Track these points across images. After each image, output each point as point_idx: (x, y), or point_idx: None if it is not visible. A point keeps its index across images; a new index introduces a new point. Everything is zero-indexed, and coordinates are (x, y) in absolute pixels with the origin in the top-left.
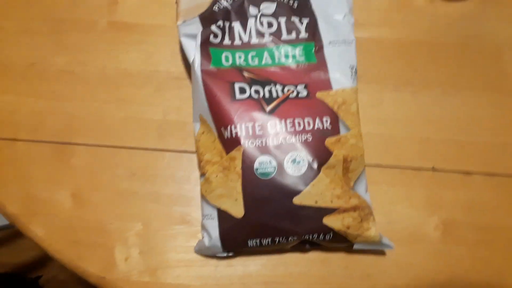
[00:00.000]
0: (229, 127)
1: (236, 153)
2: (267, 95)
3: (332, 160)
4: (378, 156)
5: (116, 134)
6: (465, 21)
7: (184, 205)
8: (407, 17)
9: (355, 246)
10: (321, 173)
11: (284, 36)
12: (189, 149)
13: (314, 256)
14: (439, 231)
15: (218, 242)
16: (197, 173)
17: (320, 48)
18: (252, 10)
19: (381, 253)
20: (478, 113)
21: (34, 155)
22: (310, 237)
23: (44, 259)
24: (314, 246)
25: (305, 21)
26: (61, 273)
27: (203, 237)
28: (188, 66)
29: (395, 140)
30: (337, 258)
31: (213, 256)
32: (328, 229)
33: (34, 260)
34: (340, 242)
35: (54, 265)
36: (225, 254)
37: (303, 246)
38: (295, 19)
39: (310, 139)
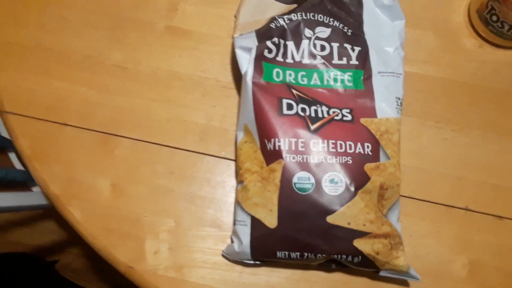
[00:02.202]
0: (273, 140)
1: (277, 166)
2: (313, 114)
3: (369, 185)
4: (412, 188)
5: (160, 132)
6: (511, 68)
7: (217, 209)
8: (454, 58)
9: (382, 273)
10: (357, 196)
11: (335, 60)
12: (228, 156)
13: (338, 277)
14: (465, 270)
15: (248, 249)
16: (232, 180)
17: (368, 77)
18: (307, 32)
19: (405, 283)
20: None
21: (81, 141)
22: (339, 257)
23: (63, 245)
24: (340, 266)
25: (357, 49)
26: (75, 261)
27: (233, 242)
28: (236, 77)
29: (430, 175)
30: (361, 283)
31: (239, 262)
32: (357, 252)
33: (53, 244)
34: (367, 267)
35: (71, 252)
36: (252, 262)
37: (330, 265)
38: (347, 46)
39: (350, 162)
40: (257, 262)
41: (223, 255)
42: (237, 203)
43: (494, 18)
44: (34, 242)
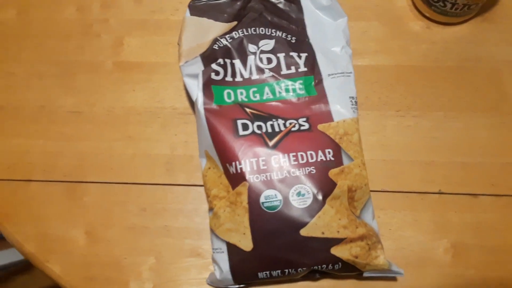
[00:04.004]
0: (234, 163)
1: (242, 188)
2: (269, 129)
3: (336, 191)
4: (383, 182)
5: (126, 171)
6: (462, 44)
7: (195, 237)
8: (404, 43)
9: (365, 274)
10: (326, 205)
11: (284, 71)
12: (197, 182)
13: (325, 284)
14: (449, 254)
15: (229, 275)
16: (206, 206)
17: (319, 81)
18: (251, 47)
19: (392, 278)
20: (480, 135)
21: (48, 195)
22: (319, 267)
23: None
24: (324, 274)
25: (304, 55)
26: None
27: (214, 270)
28: (192, 101)
29: (400, 165)
30: (348, 285)
31: None
32: (336, 260)
33: (54, 286)
34: (350, 271)
35: None
36: (236, 286)
37: (313, 275)
38: (293, 54)
39: (314, 171)
40: (242, 286)
41: (208, 284)
42: (211, 230)
43: None
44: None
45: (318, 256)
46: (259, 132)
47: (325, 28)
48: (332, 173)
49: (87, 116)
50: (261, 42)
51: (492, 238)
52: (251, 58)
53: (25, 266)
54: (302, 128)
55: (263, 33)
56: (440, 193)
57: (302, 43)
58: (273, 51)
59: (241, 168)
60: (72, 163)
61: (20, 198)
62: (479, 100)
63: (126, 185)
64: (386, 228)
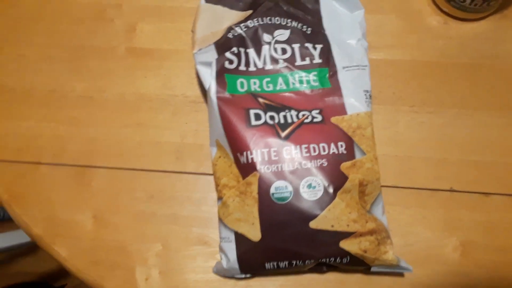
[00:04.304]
0: (245, 153)
1: (252, 179)
2: (282, 120)
3: (347, 184)
4: (394, 177)
5: (135, 157)
6: (479, 41)
7: (202, 226)
8: (420, 38)
9: (373, 269)
10: (336, 198)
11: (298, 62)
12: (206, 171)
13: (331, 277)
14: (458, 252)
15: (236, 265)
16: (214, 195)
17: (334, 73)
18: (266, 37)
19: (400, 274)
20: (494, 134)
21: (56, 178)
22: (327, 260)
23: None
24: (332, 268)
25: (319, 47)
26: (84, 283)
27: (221, 259)
28: (204, 90)
29: (412, 161)
30: (355, 280)
31: (232, 277)
32: (345, 253)
33: (58, 269)
34: (357, 265)
35: None
36: (243, 276)
37: (321, 268)
38: (308, 45)
39: (326, 164)
40: (248, 276)
41: (214, 272)
42: (220, 220)
43: None
44: (39, 269)
45: (327, 249)
46: (271, 122)
47: (341, 20)
48: (344, 166)
49: (97, 101)
50: (276, 32)
51: (502, 238)
52: (265, 48)
53: (30, 249)
54: (315, 120)
55: (278, 23)
56: (451, 190)
57: (317, 34)
58: (288, 42)
59: (252, 158)
60: (82, 148)
61: (29, 181)
62: (494, 98)
63: (134, 171)
64: (395, 224)
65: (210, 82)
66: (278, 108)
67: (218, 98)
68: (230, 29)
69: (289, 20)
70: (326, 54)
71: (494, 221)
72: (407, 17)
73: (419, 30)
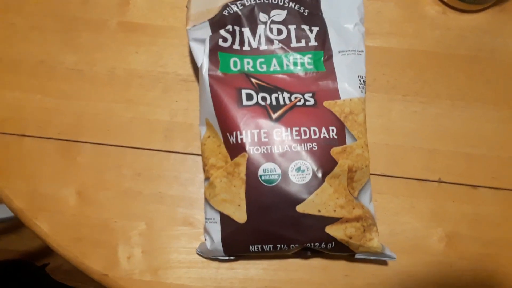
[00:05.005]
0: (234, 133)
1: (241, 159)
2: (274, 102)
3: (336, 169)
4: (384, 166)
5: (123, 134)
6: (477, 33)
7: (188, 207)
8: (418, 27)
9: (357, 256)
10: (325, 183)
11: (294, 43)
12: (195, 151)
13: (315, 263)
14: (442, 243)
15: (220, 246)
16: (201, 176)
17: (329, 57)
18: (262, 16)
19: (383, 262)
20: (486, 127)
21: (41, 151)
22: (312, 245)
23: (51, 248)
24: (316, 253)
25: (315, 29)
26: (66, 262)
27: (205, 240)
28: (196, 68)
29: (402, 151)
30: (339, 266)
31: (215, 259)
32: (330, 238)
33: (41, 248)
34: (342, 251)
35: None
36: (226, 258)
37: (305, 253)
38: (305, 27)
39: (316, 148)
40: (232, 258)
41: (197, 253)
42: (206, 200)
43: None
44: (21, 248)
45: (312, 234)
46: (263, 103)
47: (339, 4)
48: (334, 151)
49: (87, 75)
50: (273, 12)
51: (487, 231)
52: (261, 28)
53: (13, 226)
54: (307, 103)
55: (275, 2)
56: (440, 181)
57: (314, 17)
58: (284, 22)
59: (241, 139)
60: (68, 121)
61: (12, 153)
62: (489, 92)
63: (122, 148)
64: (382, 212)
65: (203, 59)
66: (271, 89)
67: (210, 76)
68: (226, 6)
69: (286, 1)
70: (322, 37)
71: (480, 214)
72: (406, 6)
73: (417, 19)
